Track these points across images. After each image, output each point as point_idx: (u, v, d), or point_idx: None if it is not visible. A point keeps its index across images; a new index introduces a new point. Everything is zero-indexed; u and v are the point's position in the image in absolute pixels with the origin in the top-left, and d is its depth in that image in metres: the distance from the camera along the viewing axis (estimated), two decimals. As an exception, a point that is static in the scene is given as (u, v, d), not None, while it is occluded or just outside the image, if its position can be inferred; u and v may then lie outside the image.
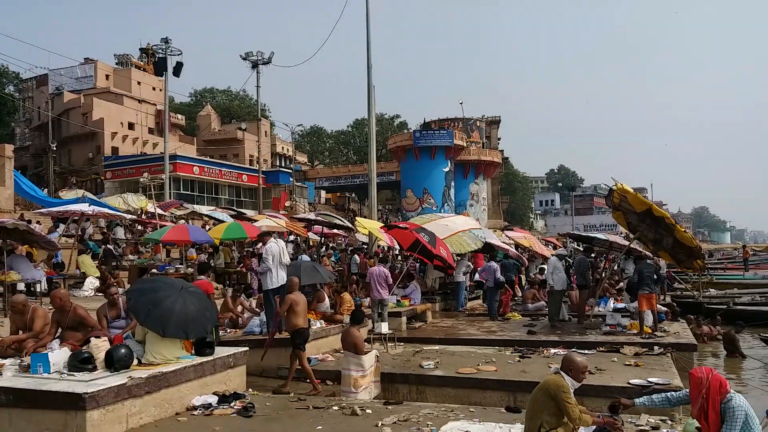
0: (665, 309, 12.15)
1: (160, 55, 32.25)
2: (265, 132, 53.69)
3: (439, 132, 49.91)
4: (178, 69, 31.57)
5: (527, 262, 21.03)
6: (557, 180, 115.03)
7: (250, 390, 7.21)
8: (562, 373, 4.70)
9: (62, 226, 18.92)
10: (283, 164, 57.41)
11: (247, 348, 7.30)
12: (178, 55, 32.13)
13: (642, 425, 5.11)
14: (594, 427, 4.69)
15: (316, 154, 69.36)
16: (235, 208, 36.07)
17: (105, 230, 21.33)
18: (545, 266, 19.55)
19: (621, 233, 34.09)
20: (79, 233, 17.76)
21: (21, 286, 11.37)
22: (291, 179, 47.75)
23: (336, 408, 6.31)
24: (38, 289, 11.84)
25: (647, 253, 12.73)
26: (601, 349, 9.19)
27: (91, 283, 13.66)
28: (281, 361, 8.77)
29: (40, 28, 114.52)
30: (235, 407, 6.17)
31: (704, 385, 4.26)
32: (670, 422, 5.24)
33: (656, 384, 6.74)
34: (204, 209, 29.82)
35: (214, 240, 15.09)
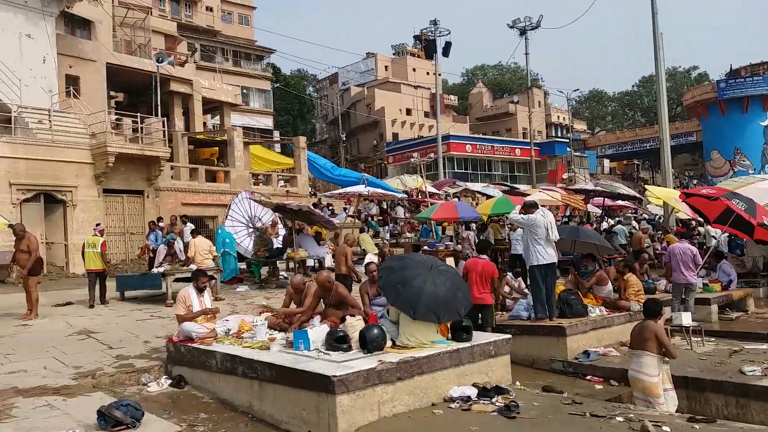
0: None
1: (430, 37, 33.18)
2: (539, 102, 51.64)
3: (752, 79, 41.11)
4: (446, 49, 32.09)
5: None
6: None
7: (517, 383, 6.31)
8: None
9: (350, 208, 20.74)
10: (559, 134, 54.55)
11: (509, 335, 6.38)
12: (447, 35, 32.64)
13: None
14: None
15: (596, 120, 64.31)
16: (508, 183, 35.47)
17: (387, 210, 22.71)
18: None
19: None
20: (361, 212, 19.13)
21: (310, 263, 12.46)
22: (568, 149, 44.94)
23: (621, 419, 4.96)
24: (325, 265, 12.81)
25: None
26: None
27: (371, 259, 14.35)
28: (553, 352, 7.68)
29: (328, 30, 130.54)
30: (496, 404, 5.35)
31: None
32: None
33: None
34: (477, 186, 29.89)
35: (482, 216, 14.53)
